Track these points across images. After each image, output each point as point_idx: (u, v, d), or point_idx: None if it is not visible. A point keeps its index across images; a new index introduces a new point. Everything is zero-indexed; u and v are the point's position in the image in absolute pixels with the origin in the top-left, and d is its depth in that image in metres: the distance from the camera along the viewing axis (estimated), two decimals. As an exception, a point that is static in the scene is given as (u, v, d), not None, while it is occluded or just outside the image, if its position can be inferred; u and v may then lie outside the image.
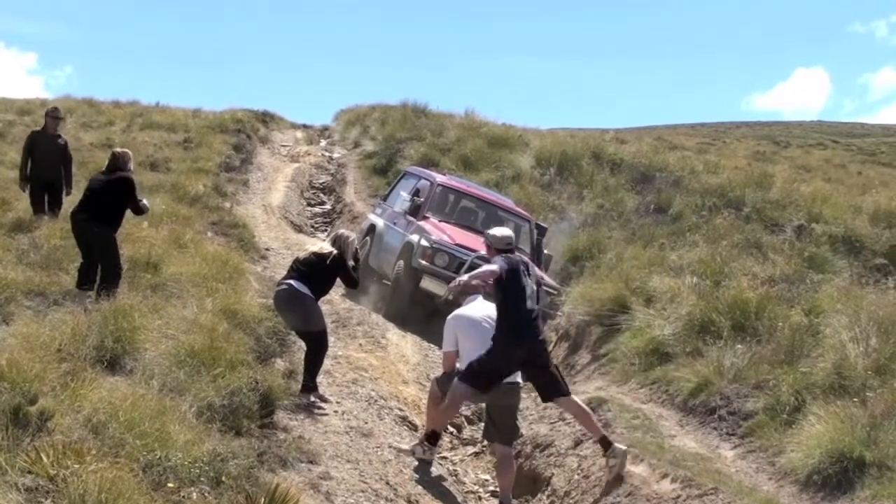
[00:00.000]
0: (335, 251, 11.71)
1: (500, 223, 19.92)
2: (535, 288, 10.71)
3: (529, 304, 10.51)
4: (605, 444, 10.33)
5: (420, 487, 10.54)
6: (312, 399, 11.41)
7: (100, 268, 12.19)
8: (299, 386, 11.38)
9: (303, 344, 11.99)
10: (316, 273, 11.51)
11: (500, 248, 10.90)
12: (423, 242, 17.63)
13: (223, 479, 7.48)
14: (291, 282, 11.51)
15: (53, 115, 16.95)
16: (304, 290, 11.41)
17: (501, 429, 11.10)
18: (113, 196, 12.60)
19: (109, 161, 13.02)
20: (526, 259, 11.07)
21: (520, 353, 10.47)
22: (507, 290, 10.51)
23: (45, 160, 16.16)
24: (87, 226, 12.50)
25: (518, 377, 11.02)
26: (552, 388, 10.72)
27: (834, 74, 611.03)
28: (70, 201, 15.67)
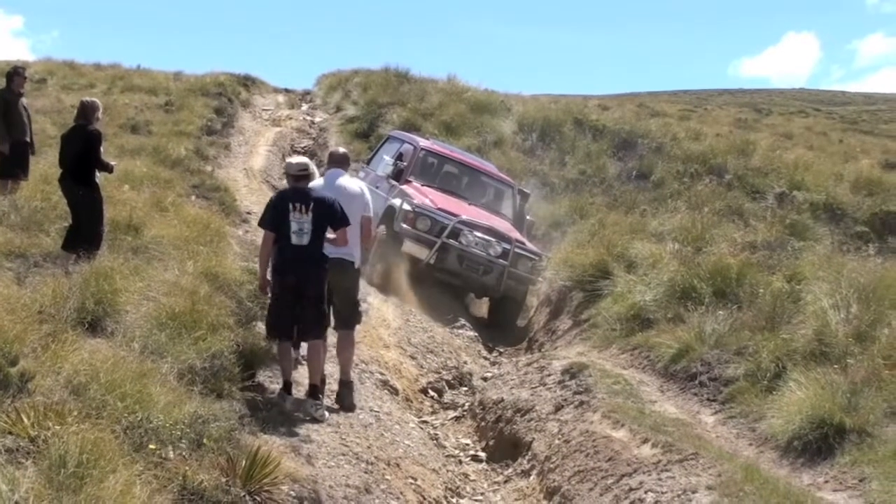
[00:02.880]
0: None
1: (483, 188, 19.99)
2: (309, 224, 10.43)
3: (294, 239, 10.40)
4: (313, 392, 10.44)
5: (401, 451, 10.57)
6: (298, 356, 11.53)
7: (82, 229, 12.13)
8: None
9: None
10: None
11: (293, 173, 10.83)
12: (406, 206, 17.63)
13: (204, 440, 7.48)
14: None
15: (22, 73, 16.58)
16: None
17: (340, 311, 11.15)
18: (81, 147, 12.49)
19: (78, 111, 12.87)
20: (317, 194, 10.74)
21: (291, 282, 10.47)
22: (274, 224, 10.55)
23: (18, 121, 15.75)
24: (71, 189, 12.44)
25: (349, 255, 11.05)
26: (306, 329, 10.61)
27: (824, 40, 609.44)
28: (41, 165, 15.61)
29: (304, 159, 11.20)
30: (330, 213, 10.56)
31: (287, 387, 10.39)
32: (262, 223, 10.85)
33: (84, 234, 12.01)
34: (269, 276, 10.71)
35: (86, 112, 12.67)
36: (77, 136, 12.57)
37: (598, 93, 70.13)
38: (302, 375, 11.25)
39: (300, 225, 10.39)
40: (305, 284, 10.46)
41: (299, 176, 10.71)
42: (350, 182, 11.45)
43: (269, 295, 10.90)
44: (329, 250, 10.73)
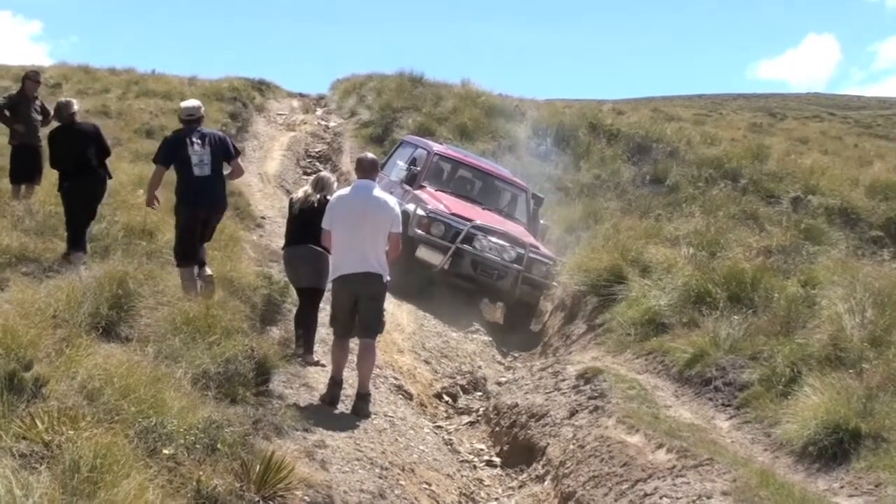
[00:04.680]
0: (318, 195, 11.72)
1: (497, 193, 19.98)
2: (209, 157, 11.65)
3: (196, 171, 11.59)
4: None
5: (415, 456, 10.55)
6: (317, 358, 11.76)
7: (79, 226, 12.30)
8: (292, 350, 11.47)
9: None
10: (315, 224, 11.29)
11: (182, 118, 11.88)
12: (420, 212, 17.60)
13: (218, 445, 7.46)
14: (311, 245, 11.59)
15: (35, 78, 16.60)
16: (320, 248, 11.37)
17: (365, 320, 10.97)
18: (95, 145, 12.77)
19: (65, 111, 13.01)
20: (209, 131, 12.07)
21: (201, 214, 11.78)
22: (168, 159, 11.73)
23: (28, 124, 15.69)
24: (101, 185, 12.70)
25: (376, 268, 10.80)
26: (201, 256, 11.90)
27: (844, 42, 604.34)
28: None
29: (194, 103, 12.25)
30: (224, 146, 11.87)
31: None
32: (155, 159, 12.00)
33: (84, 229, 12.27)
34: (157, 195, 11.98)
35: (71, 109, 13.05)
36: (89, 133, 12.81)
37: (613, 97, 70.22)
38: (319, 381, 11.26)
39: (200, 157, 11.59)
40: (211, 214, 11.86)
41: (189, 120, 11.78)
42: (381, 195, 11.04)
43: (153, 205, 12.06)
44: (357, 265, 10.74)
